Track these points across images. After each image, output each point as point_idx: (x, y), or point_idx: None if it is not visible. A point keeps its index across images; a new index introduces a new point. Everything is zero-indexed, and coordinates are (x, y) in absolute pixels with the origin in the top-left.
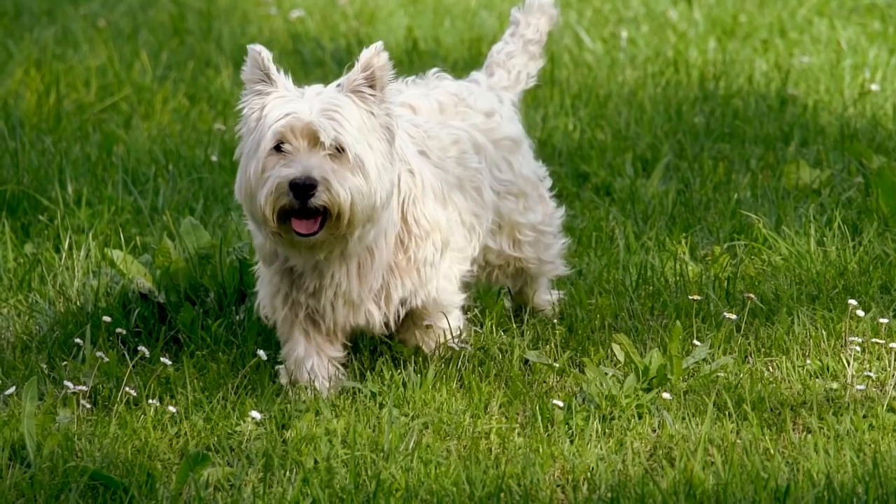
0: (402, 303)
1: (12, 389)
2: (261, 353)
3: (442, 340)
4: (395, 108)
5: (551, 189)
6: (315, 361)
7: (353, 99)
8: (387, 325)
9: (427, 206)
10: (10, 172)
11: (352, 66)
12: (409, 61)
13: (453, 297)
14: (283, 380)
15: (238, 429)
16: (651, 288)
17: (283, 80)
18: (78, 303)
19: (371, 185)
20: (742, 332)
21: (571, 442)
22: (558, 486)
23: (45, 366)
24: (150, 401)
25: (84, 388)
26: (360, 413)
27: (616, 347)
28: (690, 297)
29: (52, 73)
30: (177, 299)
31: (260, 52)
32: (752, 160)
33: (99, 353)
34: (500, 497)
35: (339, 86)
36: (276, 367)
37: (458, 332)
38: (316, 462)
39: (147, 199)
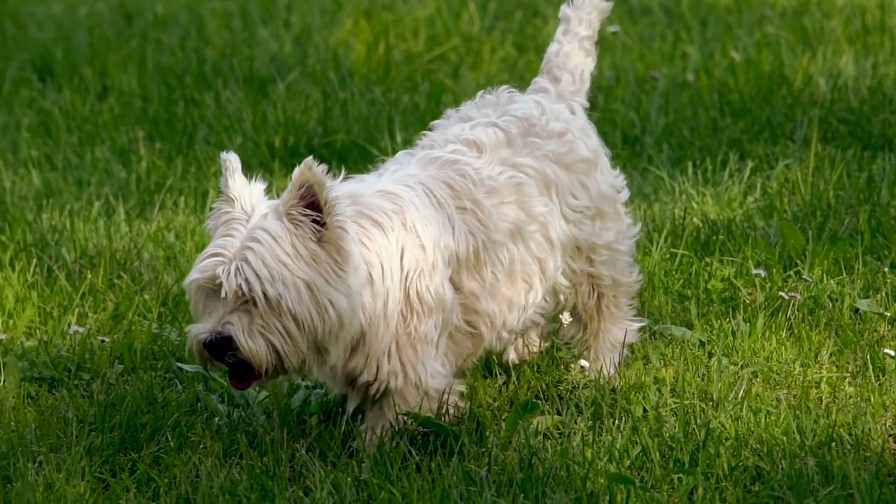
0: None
1: None
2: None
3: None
4: (454, 145)
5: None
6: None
7: (284, 225)
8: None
9: (435, 282)
10: (341, 122)
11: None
12: (738, 9)
13: (441, 381)
14: None
15: (567, 377)
16: None
17: (241, 195)
18: None
19: (301, 322)
20: None
21: None
22: (890, 435)
23: None
24: None
25: None
26: (689, 362)
27: None
28: None
29: (381, 23)
30: None
31: (225, 162)
32: None
33: None
34: (830, 446)
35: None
36: None
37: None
38: (645, 411)
39: None
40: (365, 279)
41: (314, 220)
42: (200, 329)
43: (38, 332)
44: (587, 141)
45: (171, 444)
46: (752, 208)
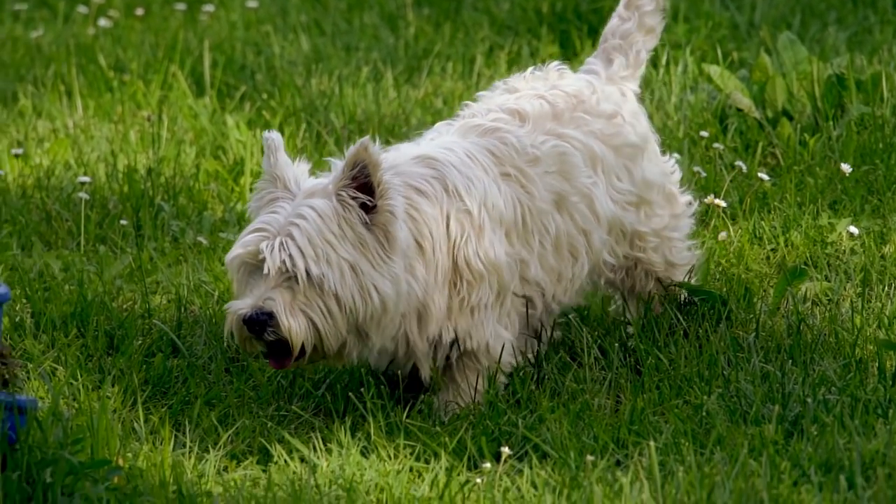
0: (452, 345)
1: None
2: (847, 166)
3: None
4: (496, 114)
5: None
6: None
7: (332, 205)
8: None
9: (483, 246)
10: None
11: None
12: None
13: (502, 343)
14: None
15: (835, 244)
16: None
17: (287, 174)
18: (675, 118)
19: (343, 303)
20: None
21: None
22: None
23: None
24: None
25: None
26: None
27: None
28: None
29: None
30: (774, 114)
31: (268, 141)
32: None
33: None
34: None
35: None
36: None
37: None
38: None
39: (744, 15)
40: (416, 252)
41: (362, 204)
42: (241, 305)
43: None
44: (636, 126)
45: None
46: None
